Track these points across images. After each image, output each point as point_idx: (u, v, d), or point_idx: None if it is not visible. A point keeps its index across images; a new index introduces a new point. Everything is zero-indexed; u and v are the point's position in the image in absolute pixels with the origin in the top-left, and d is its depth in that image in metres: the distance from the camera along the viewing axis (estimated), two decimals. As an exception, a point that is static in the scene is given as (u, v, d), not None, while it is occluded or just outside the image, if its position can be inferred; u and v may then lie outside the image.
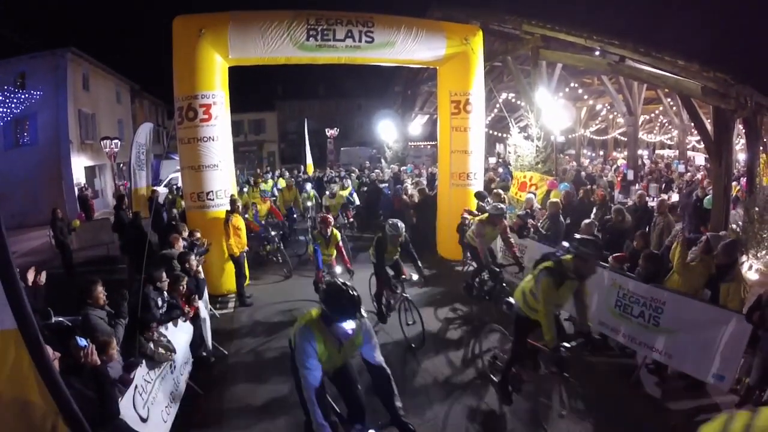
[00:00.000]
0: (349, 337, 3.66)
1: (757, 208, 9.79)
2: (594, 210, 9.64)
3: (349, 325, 3.46)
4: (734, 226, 10.59)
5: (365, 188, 16.18)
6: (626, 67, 11.25)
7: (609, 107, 23.33)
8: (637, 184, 14.76)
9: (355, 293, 3.52)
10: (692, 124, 12.30)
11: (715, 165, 10.27)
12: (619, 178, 16.74)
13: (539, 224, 8.81)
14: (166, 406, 5.08)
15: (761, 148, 15.30)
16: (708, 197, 10.92)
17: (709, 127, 10.78)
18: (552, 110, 12.21)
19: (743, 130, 11.67)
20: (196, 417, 5.59)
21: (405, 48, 10.10)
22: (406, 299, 7.33)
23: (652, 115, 24.29)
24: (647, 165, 21.74)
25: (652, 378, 6.20)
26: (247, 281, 9.69)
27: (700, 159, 21.68)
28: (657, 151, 28.03)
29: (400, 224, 7.29)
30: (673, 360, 5.91)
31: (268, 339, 7.58)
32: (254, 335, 7.76)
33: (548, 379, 5.29)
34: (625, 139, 22.31)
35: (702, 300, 5.87)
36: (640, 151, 25.21)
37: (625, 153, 23.14)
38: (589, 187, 11.33)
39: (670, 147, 27.93)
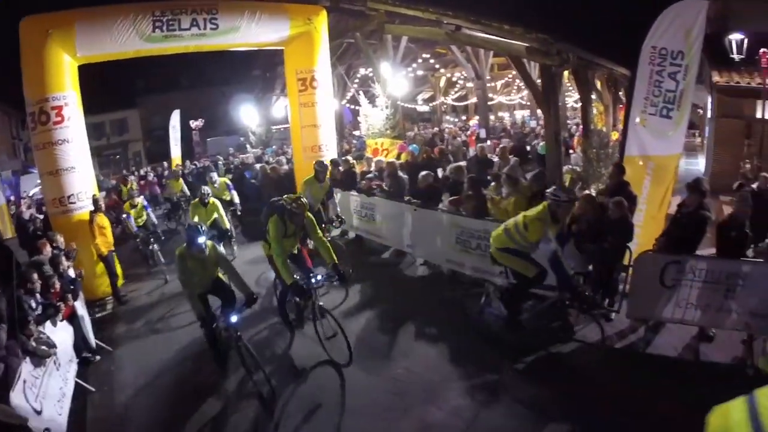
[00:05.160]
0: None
1: (594, 150, 11.36)
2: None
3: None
4: (576, 167, 12.24)
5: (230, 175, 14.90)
6: (462, 35, 12.31)
7: (465, 76, 25.11)
8: (488, 141, 16.24)
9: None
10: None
11: (545, 113, 11.65)
12: (473, 137, 18.33)
13: (384, 184, 9.58)
14: (58, 401, 5.28)
15: (598, 99, 17.58)
16: (542, 143, 12.45)
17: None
18: (395, 80, 13.11)
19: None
20: (92, 412, 5.79)
21: (250, 32, 10.38)
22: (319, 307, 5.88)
23: (508, 78, 26.48)
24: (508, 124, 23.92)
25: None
26: (121, 280, 9.50)
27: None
28: (515, 111, 30.50)
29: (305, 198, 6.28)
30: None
31: (150, 331, 7.77)
32: (136, 330, 7.87)
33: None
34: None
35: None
36: (501, 113, 27.47)
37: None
38: (435, 148, 12.45)
39: (528, 107, 30.48)
